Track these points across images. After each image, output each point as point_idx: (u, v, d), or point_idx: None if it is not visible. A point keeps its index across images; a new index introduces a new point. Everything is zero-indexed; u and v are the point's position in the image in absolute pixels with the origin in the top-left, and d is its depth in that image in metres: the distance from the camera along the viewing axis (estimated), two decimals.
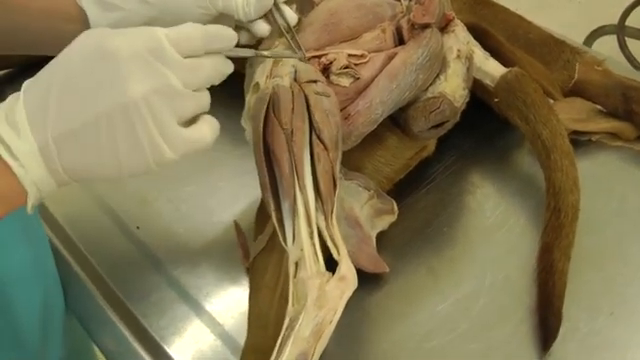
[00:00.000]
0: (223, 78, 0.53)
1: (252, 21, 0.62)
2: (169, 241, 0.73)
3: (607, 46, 1.81)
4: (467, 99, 0.70)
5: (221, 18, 0.62)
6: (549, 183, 0.67)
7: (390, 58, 0.66)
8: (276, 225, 0.56)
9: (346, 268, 0.53)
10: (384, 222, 0.69)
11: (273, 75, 0.62)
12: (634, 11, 1.83)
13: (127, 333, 0.67)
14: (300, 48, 0.62)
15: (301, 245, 0.54)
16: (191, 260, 0.71)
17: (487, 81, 0.73)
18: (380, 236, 0.68)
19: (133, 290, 0.70)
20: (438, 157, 0.76)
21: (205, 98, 0.52)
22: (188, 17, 0.57)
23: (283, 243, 0.56)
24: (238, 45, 0.54)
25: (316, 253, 0.54)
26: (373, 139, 0.68)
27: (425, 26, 0.67)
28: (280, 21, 0.63)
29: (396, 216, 0.69)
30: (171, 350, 0.65)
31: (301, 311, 0.51)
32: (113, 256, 0.74)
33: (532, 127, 0.69)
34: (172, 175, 0.75)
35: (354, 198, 0.67)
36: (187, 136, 0.50)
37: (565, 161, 0.67)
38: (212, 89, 0.53)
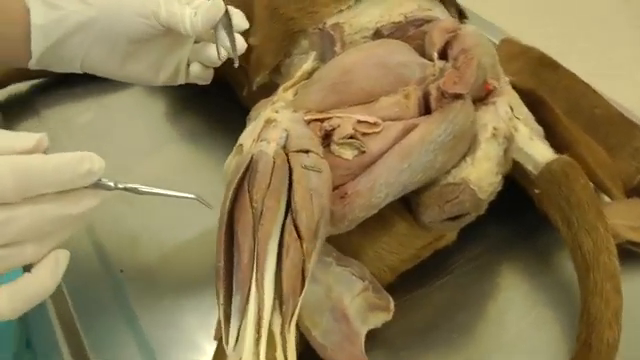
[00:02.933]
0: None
1: (199, 36, 0.60)
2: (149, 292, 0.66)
3: None
4: (499, 187, 0.58)
5: (167, 34, 0.60)
6: (583, 308, 0.55)
7: (407, 130, 0.55)
8: (222, 321, 0.47)
9: None
10: (377, 319, 0.58)
11: (261, 138, 0.52)
12: None
13: None
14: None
15: (241, 353, 0.44)
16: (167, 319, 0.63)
17: (529, 167, 0.61)
18: (373, 334, 0.58)
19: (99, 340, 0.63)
20: (460, 245, 0.64)
21: (25, 254, 0.43)
22: (130, 27, 0.57)
23: (224, 344, 0.46)
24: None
25: None
26: (377, 222, 0.58)
27: (456, 96, 0.56)
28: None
29: (391, 315, 0.58)
30: None
31: None
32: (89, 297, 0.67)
33: (573, 233, 0.57)
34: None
35: (345, 287, 0.57)
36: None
37: (607, 285, 0.54)
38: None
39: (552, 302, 0.61)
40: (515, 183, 0.63)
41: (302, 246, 0.47)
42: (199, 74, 0.67)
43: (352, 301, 0.57)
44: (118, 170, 0.77)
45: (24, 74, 0.89)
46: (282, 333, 0.46)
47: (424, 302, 0.62)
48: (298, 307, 0.47)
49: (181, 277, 0.66)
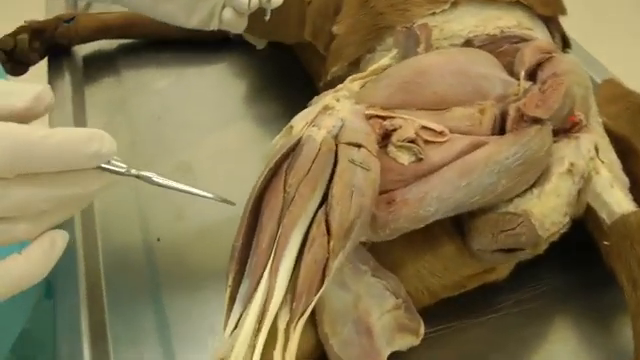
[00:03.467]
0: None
1: None
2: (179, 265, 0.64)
3: None
4: (565, 229, 0.53)
5: None
6: None
7: (474, 147, 0.50)
8: (225, 303, 0.43)
9: None
10: (404, 342, 0.53)
11: (313, 123, 0.49)
12: None
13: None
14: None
15: (236, 341, 0.41)
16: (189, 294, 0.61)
17: (603, 214, 0.55)
18: (396, 356, 0.53)
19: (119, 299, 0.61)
20: (512, 285, 0.59)
21: (16, 230, 0.38)
22: None
23: (223, 328, 0.43)
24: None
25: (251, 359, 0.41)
26: (424, 238, 0.53)
27: (535, 121, 0.51)
28: None
29: (419, 341, 0.53)
30: None
31: None
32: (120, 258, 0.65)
33: (637, 298, 0.51)
34: None
35: (376, 301, 0.53)
36: None
37: None
38: None
39: None
40: (585, 230, 0.58)
41: (329, 243, 0.44)
42: (231, 21, 0.65)
43: (380, 317, 0.53)
44: (179, 140, 0.77)
45: (111, 32, 0.89)
46: (286, 330, 0.42)
47: (458, 335, 0.57)
48: (310, 307, 0.43)
49: (214, 256, 0.64)
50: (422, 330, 0.53)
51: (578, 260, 0.60)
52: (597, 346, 0.56)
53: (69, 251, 0.65)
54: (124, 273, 0.64)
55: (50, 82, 0.86)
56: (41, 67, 0.90)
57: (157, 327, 0.59)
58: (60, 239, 0.41)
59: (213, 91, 0.84)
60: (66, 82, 0.85)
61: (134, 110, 0.82)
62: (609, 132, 0.59)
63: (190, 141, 0.77)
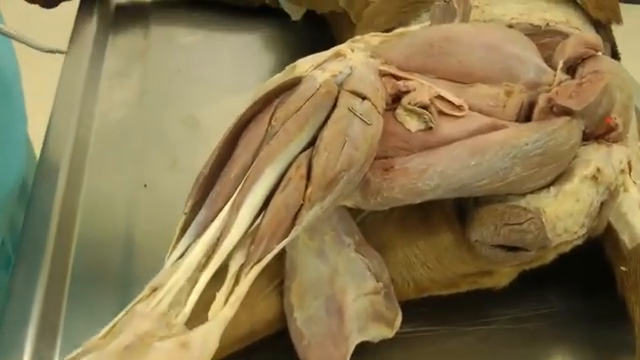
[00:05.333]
0: None
1: None
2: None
3: None
4: (578, 242, 0.47)
5: None
6: None
7: (492, 129, 0.45)
8: (177, 229, 0.38)
9: (203, 336, 0.34)
10: (376, 332, 0.48)
11: (320, 66, 0.44)
12: None
13: None
14: None
15: (174, 272, 0.36)
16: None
17: (624, 237, 0.49)
18: (372, 350, 0.48)
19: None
20: (512, 300, 0.53)
21: None
22: None
23: (167, 257, 0.38)
24: None
25: (188, 293, 0.35)
26: (420, 223, 0.48)
27: (565, 112, 0.45)
28: None
29: (393, 333, 0.48)
30: None
31: (97, 350, 0.33)
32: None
33: None
34: None
35: (354, 280, 0.47)
36: None
37: None
38: None
39: None
40: (603, 258, 0.52)
41: (306, 188, 0.39)
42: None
43: (356, 299, 0.47)
44: (192, 96, 0.73)
45: None
46: (237, 274, 0.37)
47: (439, 340, 0.51)
48: (270, 255, 0.38)
49: None
50: (398, 322, 0.47)
51: (589, 288, 0.54)
52: None
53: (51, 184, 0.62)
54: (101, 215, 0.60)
55: (77, 20, 0.83)
56: (73, 5, 0.87)
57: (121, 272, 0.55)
58: None
59: (238, 56, 0.81)
60: (93, 23, 0.83)
61: (154, 61, 0.79)
62: None
63: (203, 99, 0.73)
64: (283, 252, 0.47)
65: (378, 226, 0.48)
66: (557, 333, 0.52)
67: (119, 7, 0.88)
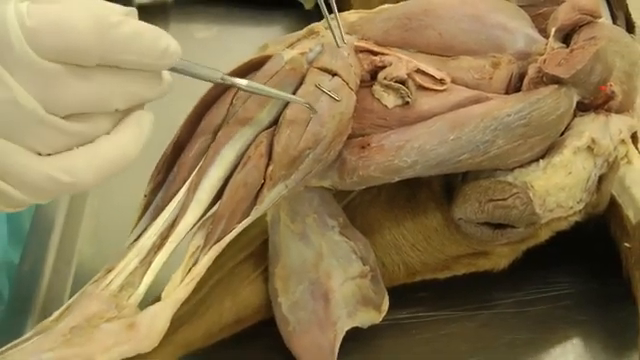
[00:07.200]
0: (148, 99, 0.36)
1: None
2: None
3: None
4: (576, 218, 0.45)
5: None
6: None
7: (474, 102, 0.43)
8: (139, 210, 0.38)
9: (151, 317, 0.33)
10: (366, 317, 0.47)
11: (291, 45, 0.43)
12: None
13: None
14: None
15: (127, 253, 0.35)
16: None
17: (628, 212, 0.46)
18: (366, 339, 0.47)
19: None
20: (515, 283, 0.51)
21: (98, 126, 0.35)
22: None
23: (128, 237, 0.37)
24: None
25: (142, 276, 0.35)
26: (407, 201, 0.47)
27: (555, 80, 0.43)
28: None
29: (381, 317, 0.46)
30: None
31: (45, 331, 0.33)
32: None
33: None
34: None
35: (339, 264, 0.46)
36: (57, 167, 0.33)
37: None
38: None
39: None
40: (608, 239, 0.49)
41: (267, 167, 0.38)
42: None
43: (343, 284, 0.46)
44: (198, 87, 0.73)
45: None
46: (193, 255, 0.36)
47: (438, 326, 0.49)
48: (230, 236, 0.37)
49: None
50: (385, 306, 0.46)
51: (594, 271, 0.51)
52: None
53: None
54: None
55: None
56: None
57: None
58: (146, 121, 0.36)
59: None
60: None
61: None
62: None
63: None
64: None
65: (365, 208, 0.47)
66: (563, 317, 0.50)
67: (141, 7, 0.88)
